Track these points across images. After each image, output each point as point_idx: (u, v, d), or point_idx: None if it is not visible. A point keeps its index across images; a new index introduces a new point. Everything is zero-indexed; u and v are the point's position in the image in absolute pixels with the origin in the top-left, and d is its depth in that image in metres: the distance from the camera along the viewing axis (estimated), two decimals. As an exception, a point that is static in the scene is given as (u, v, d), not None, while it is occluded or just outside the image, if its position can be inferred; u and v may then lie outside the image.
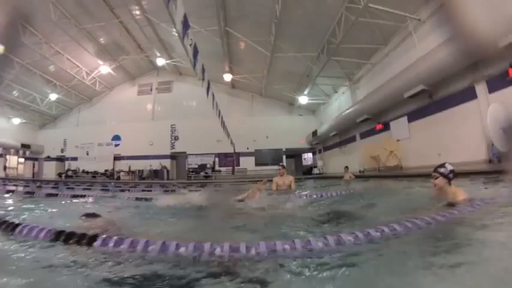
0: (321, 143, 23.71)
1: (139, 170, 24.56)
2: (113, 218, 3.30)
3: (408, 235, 2.13)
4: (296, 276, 1.59)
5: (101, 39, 19.86)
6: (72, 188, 11.15)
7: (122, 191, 9.97)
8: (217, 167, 24.97)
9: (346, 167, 12.72)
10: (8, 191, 8.51)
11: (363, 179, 11.88)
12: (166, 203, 4.87)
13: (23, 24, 16.11)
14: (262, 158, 24.81)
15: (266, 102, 25.64)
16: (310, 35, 14.74)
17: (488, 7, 6.77)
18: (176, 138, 25.87)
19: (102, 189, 10.15)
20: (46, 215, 4.25)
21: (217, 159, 25.12)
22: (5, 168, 24.72)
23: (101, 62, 21.77)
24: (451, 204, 3.08)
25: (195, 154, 25.15)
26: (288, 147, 25.10)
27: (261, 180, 5.28)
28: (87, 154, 26.58)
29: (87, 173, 25.31)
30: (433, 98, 10.73)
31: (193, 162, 25.16)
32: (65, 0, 15.44)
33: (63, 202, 6.05)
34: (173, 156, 25.94)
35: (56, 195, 7.34)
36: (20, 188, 10.10)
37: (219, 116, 13.31)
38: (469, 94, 9.10)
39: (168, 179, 23.57)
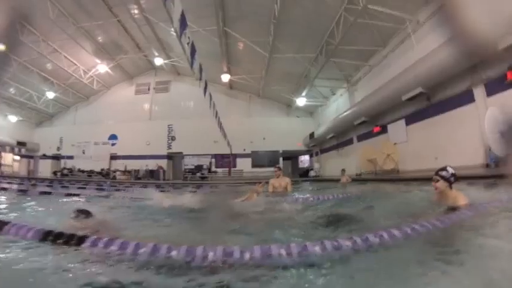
0: (318, 145, 23.67)
1: (135, 170, 24.43)
2: (105, 217, 3.23)
3: (408, 241, 2.08)
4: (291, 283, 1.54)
5: (99, 38, 19.78)
6: (67, 187, 11.06)
7: (117, 190, 9.89)
8: (213, 168, 24.88)
9: (343, 170, 12.68)
10: (1, 189, 8.43)
11: (359, 182, 11.84)
12: (161, 204, 4.81)
13: (21, 22, 16.01)
14: (259, 159, 24.74)
15: (264, 103, 25.61)
16: (308, 36, 14.73)
17: (487, 9, 6.76)
18: (173, 138, 25.77)
19: (97, 189, 10.07)
20: (37, 213, 4.18)
21: (213, 160, 25.02)
22: (0, 165, 24.52)
23: (98, 61, 21.69)
24: (452, 209, 3.04)
25: (192, 155, 25.05)
26: (285, 149, 25.04)
27: (260, 182, 5.23)
28: (83, 153, 26.42)
29: (83, 171, 25.14)
30: (431, 101, 10.72)
31: (189, 162, 25.05)
32: (63, -2, 15.35)
33: (57, 201, 5.97)
34: (170, 157, 25.85)
35: (50, 193, 7.26)
36: (14, 186, 10.00)
37: (216, 116, 13.27)
38: (467, 97, 9.07)
39: (164, 179, 23.47)
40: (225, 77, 20.61)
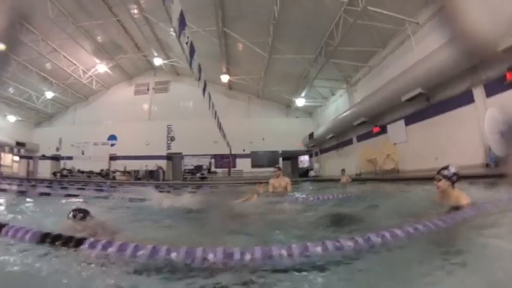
0: (317, 146, 23.66)
1: (135, 171, 24.38)
2: (104, 218, 3.20)
3: (410, 241, 2.06)
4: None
5: (98, 38, 19.73)
6: (66, 188, 11.03)
7: (117, 191, 9.85)
8: (213, 169, 24.84)
9: (343, 170, 12.67)
10: (1, 190, 8.40)
11: (360, 182, 11.82)
12: (160, 205, 4.79)
13: (20, 21, 15.98)
14: (258, 159, 24.72)
15: (263, 104, 25.59)
16: (308, 37, 14.72)
17: (487, 10, 6.76)
18: (172, 138, 25.73)
19: (97, 189, 10.04)
20: (35, 215, 4.15)
21: (213, 160, 24.98)
22: (-1, 166, 24.49)
23: (98, 61, 21.64)
24: (454, 209, 3.02)
25: (191, 155, 25.00)
26: (285, 149, 25.02)
27: (261, 183, 5.21)
28: (83, 153, 26.35)
29: (83, 172, 25.07)
30: (430, 101, 10.72)
31: (189, 163, 24.99)
32: (62, -3, 15.32)
33: (56, 202, 5.94)
34: (169, 157, 25.80)
35: (49, 194, 7.24)
36: (12, 187, 9.97)
37: (215, 116, 13.24)
38: (467, 98, 9.08)
39: (163, 179, 23.42)
40: (225, 78, 20.60)
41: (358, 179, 13.03)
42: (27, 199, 6.29)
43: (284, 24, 13.39)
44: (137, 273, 1.61)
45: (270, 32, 14.16)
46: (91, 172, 24.85)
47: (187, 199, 5.68)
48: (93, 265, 1.66)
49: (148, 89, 26.98)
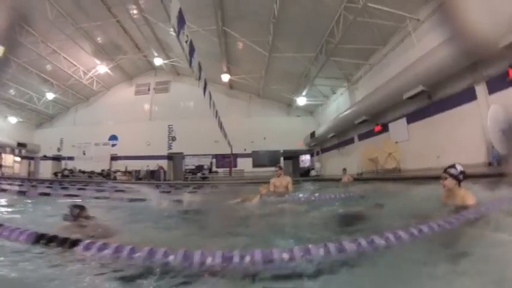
0: (318, 145, 23.60)
1: (136, 171, 24.37)
2: (103, 218, 3.17)
3: (415, 242, 2.02)
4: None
5: (98, 39, 19.73)
6: (67, 188, 11.01)
7: (117, 191, 9.83)
8: (214, 168, 24.81)
9: (345, 169, 12.61)
10: (1, 190, 8.41)
11: (362, 182, 11.76)
12: (160, 205, 4.75)
13: (20, 23, 15.96)
14: (259, 159, 24.67)
15: (264, 103, 25.54)
16: (308, 35, 14.66)
17: (488, 7, 6.71)
18: (173, 138, 25.71)
19: (97, 190, 10.00)
20: (33, 215, 4.12)
21: (214, 160, 24.95)
22: (0, 166, 24.49)
23: (98, 62, 21.66)
24: (460, 208, 2.96)
25: (192, 155, 24.98)
26: (286, 148, 24.97)
27: (265, 183, 5.17)
28: (84, 154, 26.37)
29: (84, 172, 25.08)
30: (432, 99, 10.65)
31: (190, 163, 24.97)
32: (62, -1, 15.29)
33: (55, 202, 5.91)
34: (170, 157, 25.78)
35: (49, 194, 7.22)
36: (13, 187, 9.97)
37: (216, 116, 13.21)
38: (469, 95, 9.00)
39: (165, 179, 23.40)
40: (225, 77, 20.57)
41: (359, 179, 12.96)
42: (27, 199, 6.28)
43: (284, 22, 13.34)
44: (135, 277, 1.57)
45: (270, 31, 14.12)
46: (92, 172, 24.85)
47: (187, 199, 5.64)
48: (85, 268, 1.62)
49: (148, 89, 26.98)
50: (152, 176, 23.76)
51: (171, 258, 1.62)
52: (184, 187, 12.83)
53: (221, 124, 15.25)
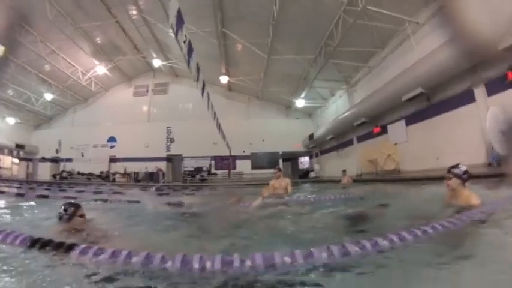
0: (317, 147, 23.57)
1: (134, 172, 24.28)
2: (100, 221, 3.13)
3: (420, 244, 1.99)
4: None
5: (97, 39, 19.70)
6: (65, 190, 10.96)
7: (116, 193, 9.80)
8: (213, 170, 24.74)
9: (344, 171, 12.60)
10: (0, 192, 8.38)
11: (361, 183, 11.73)
12: (158, 207, 4.71)
13: (19, 23, 15.92)
14: (258, 161, 24.63)
15: (263, 105, 25.52)
16: (307, 37, 14.66)
17: (488, 9, 6.72)
18: (172, 140, 25.66)
19: (95, 192, 9.94)
20: (30, 217, 4.08)
21: (213, 162, 24.89)
22: (-2, 168, 24.41)
23: (96, 62, 21.61)
24: (464, 209, 2.94)
25: (191, 157, 24.92)
26: (285, 150, 24.95)
27: (268, 184, 5.15)
28: (82, 155, 26.23)
29: (82, 174, 24.96)
30: (431, 101, 10.65)
31: (189, 165, 24.91)
32: (61, -1, 15.25)
33: (53, 204, 5.87)
34: (169, 159, 25.69)
35: (47, 196, 7.17)
36: (11, 189, 9.92)
37: (214, 117, 13.17)
38: (468, 97, 9.01)
39: (163, 181, 23.30)
40: (224, 79, 20.55)
41: (359, 180, 12.94)
42: (25, 201, 6.23)
43: (283, 24, 13.34)
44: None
45: (269, 33, 14.11)
46: (91, 174, 24.74)
47: (185, 201, 5.60)
48: (82, 273, 1.58)
49: (147, 91, 26.93)
50: (151, 178, 23.67)
51: (169, 263, 1.58)
52: (183, 189, 12.78)
53: (220, 126, 15.21)
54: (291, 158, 26.30)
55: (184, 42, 4.04)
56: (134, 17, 17.47)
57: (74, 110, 27.59)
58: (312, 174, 22.52)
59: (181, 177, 24.12)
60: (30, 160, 27.41)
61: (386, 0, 10.58)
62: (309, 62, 16.26)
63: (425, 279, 1.59)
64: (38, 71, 20.77)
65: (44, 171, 26.27)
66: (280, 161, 24.79)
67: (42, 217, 3.92)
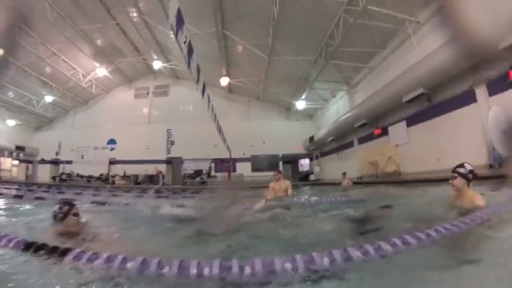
0: (318, 149, 23.50)
1: (134, 175, 24.23)
2: (97, 225, 3.08)
3: (424, 246, 1.94)
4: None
5: (98, 41, 19.70)
6: (64, 192, 10.91)
7: (115, 195, 9.76)
8: (213, 173, 24.66)
9: (344, 173, 12.54)
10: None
11: (362, 185, 11.67)
12: (156, 210, 4.66)
13: (19, 25, 15.91)
14: (258, 163, 24.57)
15: (263, 106, 25.50)
16: (308, 38, 14.63)
17: (488, 8, 6.70)
18: (172, 143, 25.62)
19: (94, 194, 9.91)
20: (27, 219, 4.04)
21: (213, 164, 24.83)
22: (-2, 170, 24.37)
23: (97, 65, 21.58)
24: (469, 210, 2.89)
25: (191, 159, 24.87)
26: (285, 152, 24.89)
27: (267, 186, 5.12)
28: (82, 158, 26.20)
29: (82, 176, 24.91)
30: (432, 101, 10.60)
31: (189, 167, 24.86)
32: (62, 0, 15.22)
33: (51, 206, 5.82)
34: (169, 161, 25.64)
35: (44, 199, 7.13)
36: (10, 191, 9.90)
37: (214, 119, 13.12)
38: (469, 97, 8.96)
39: (163, 184, 23.24)
40: (224, 80, 20.49)
41: (359, 182, 12.87)
42: (23, 203, 6.19)
43: (283, 25, 13.32)
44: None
45: (269, 33, 14.09)
46: (90, 176, 24.68)
47: (184, 204, 5.55)
48: (76, 279, 1.53)
49: (148, 93, 26.92)
50: (151, 180, 23.61)
51: (165, 269, 1.52)
52: (182, 191, 12.73)
53: (220, 128, 15.16)
54: (291, 161, 26.25)
55: (185, 42, 4.00)
56: (134, 19, 17.48)
57: (74, 112, 27.60)
58: (312, 177, 22.47)
59: (181, 179, 24.06)
60: (30, 162, 27.38)
61: (386, 0, 10.56)
62: (310, 63, 16.24)
63: (428, 282, 1.56)
64: (38, 73, 20.74)
65: (44, 173, 26.25)
66: (281, 163, 24.77)
67: (39, 219, 3.88)
